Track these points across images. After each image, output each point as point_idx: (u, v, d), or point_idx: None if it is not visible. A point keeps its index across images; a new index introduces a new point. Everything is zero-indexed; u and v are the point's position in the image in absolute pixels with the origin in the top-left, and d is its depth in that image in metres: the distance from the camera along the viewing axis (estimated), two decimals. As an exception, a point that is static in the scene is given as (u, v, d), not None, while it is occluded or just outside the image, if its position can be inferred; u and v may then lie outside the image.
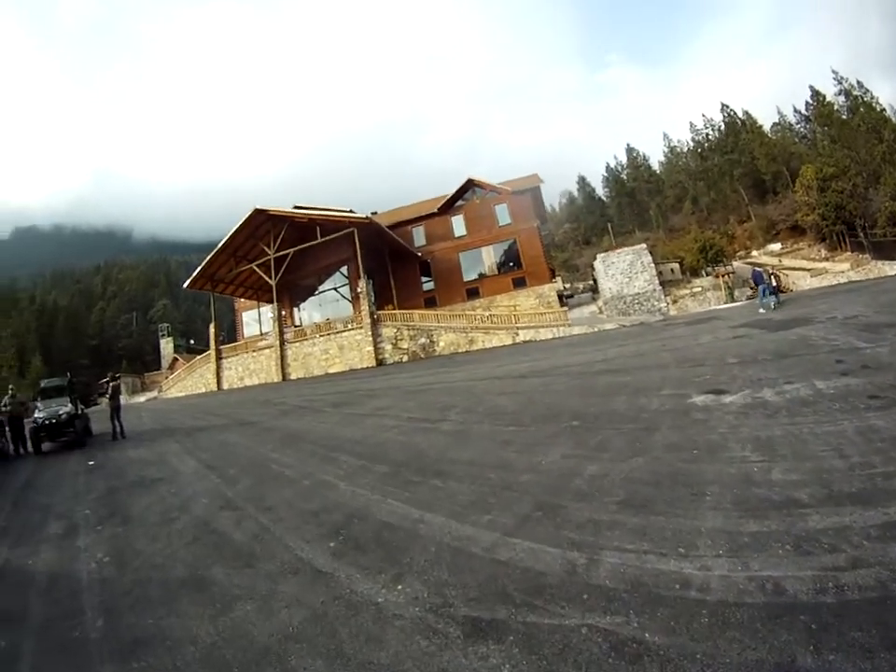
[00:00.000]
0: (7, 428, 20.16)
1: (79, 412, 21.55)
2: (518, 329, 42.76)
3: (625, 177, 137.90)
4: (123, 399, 24.28)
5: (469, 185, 62.11)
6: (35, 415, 20.30)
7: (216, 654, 4.66)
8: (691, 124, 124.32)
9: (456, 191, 61.97)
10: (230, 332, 70.57)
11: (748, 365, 13.09)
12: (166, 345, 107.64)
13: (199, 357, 64.83)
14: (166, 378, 78.69)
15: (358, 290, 50.31)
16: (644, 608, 4.14)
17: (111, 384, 22.61)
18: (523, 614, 4.35)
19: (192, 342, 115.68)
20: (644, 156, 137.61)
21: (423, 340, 45.54)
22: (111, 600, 6.24)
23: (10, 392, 20.92)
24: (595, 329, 39.40)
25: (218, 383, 57.15)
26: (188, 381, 62.22)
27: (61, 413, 20.09)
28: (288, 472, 10.98)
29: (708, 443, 7.93)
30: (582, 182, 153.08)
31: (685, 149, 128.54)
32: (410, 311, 49.31)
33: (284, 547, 6.87)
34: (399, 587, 5.24)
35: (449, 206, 61.88)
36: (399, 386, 24.16)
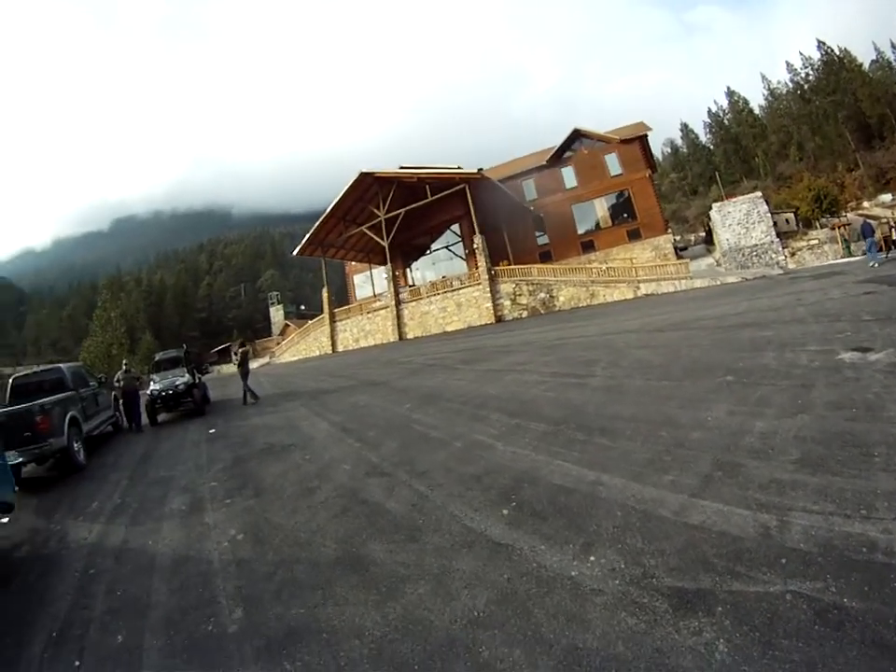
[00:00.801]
0: (120, 403, 20.03)
1: (196, 381, 21.45)
2: (639, 282, 40.49)
3: (727, 122, 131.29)
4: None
5: (576, 135, 59.33)
6: (151, 387, 20.37)
7: (388, 649, 4.09)
8: (787, 64, 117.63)
9: (564, 142, 59.39)
10: (340, 295, 69.95)
11: (885, 322, 11.92)
12: (276, 313, 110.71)
13: (312, 321, 65.05)
14: (278, 344, 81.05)
15: (474, 247, 48.51)
16: (839, 572, 3.87)
17: (240, 350, 22.41)
18: (727, 582, 4.03)
19: (303, 307, 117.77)
20: (744, 100, 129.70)
21: (542, 295, 43.48)
22: (250, 586, 5.61)
23: (124, 366, 20.61)
24: (718, 283, 36.98)
25: (333, 345, 57.24)
26: (301, 345, 62.67)
27: (177, 383, 20.07)
28: (435, 433, 10.14)
29: (866, 402, 7.25)
30: (685, 129, 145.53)
31: (785, 91, 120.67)
32: (528, 265, 47.48)
33: (449, 516, 6.17)
34: (592, 558, 4.71)
35: (558, 158, 59.42)
36: (531, 342, 22.96)
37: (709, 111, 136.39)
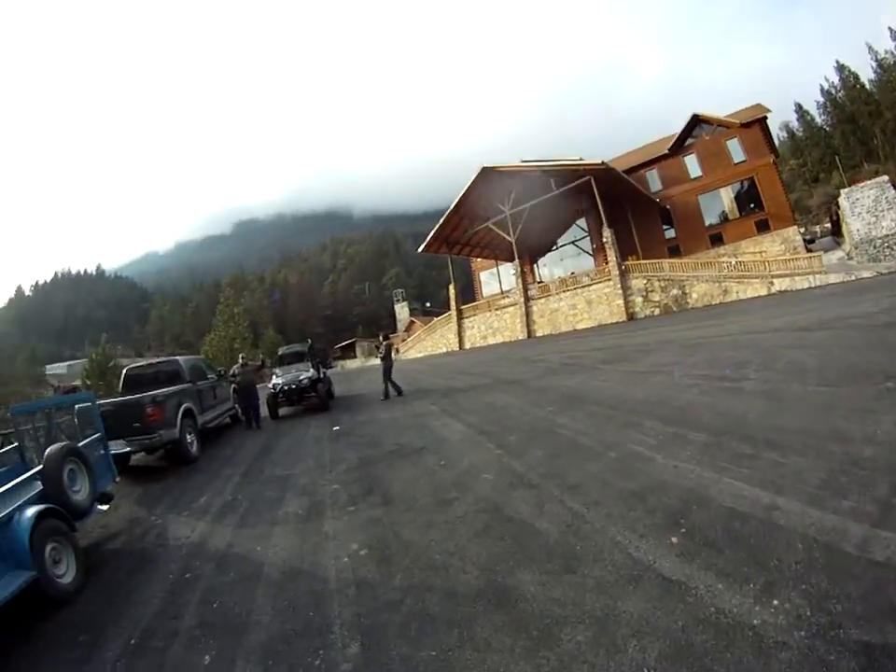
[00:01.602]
0: (236, 399, 19.88)
1: (321, 375, 21.23)
2: (773, 277, 37.92)
3: (841, 100, 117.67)
4: (364, 360, 23.24)
5: (696, 121, 55.83)
6: (273, 381, 20.47)
7: (541, 713, 3.56)
8: (891, 30, 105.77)
9: (684, 129, 55.91)
10: (466, 292, 69.37)
11: None
12: (401, 310, 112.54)
13: (438, 318, 65.65)
14: (403, 340, 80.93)
15: (603, 241, 46.65)
16: None
17: (384, 343, 21.51)
18: (916, 637, 3.30)
19: (428, 304, 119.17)
20: (854, 74, 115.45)
21: (675, 291, 41.48)
22: (371, 615, 4.89)
23: (241, 360, 19.94)
24: (853, 278, 33.78)
25: (460, 342, 57.20)
26: (427, 342, 63.15)
27: (301, 377, 19.90)
28: (585, 441, 9.11)
29: None
30: (800, 110, 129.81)
31: (893, 62, 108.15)
32: (659, 260, 45.41)
33: (611, 543, 5.25)
34: (776, 602, 3.95)
35: (679, 146, 56.22)
36: (670, 340, 21.50)
37: (822, 89, 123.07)
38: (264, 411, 19.35)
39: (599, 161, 43.13)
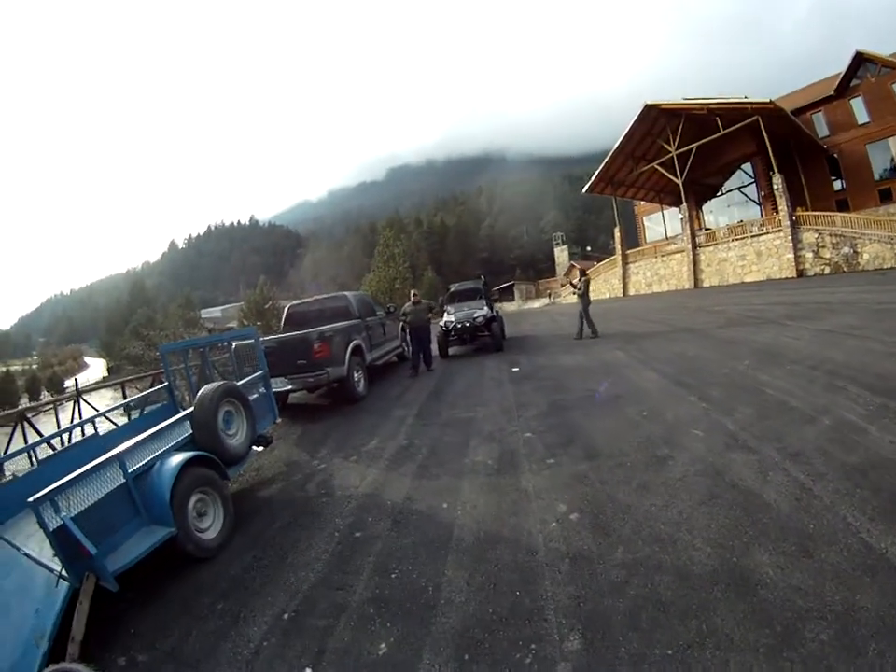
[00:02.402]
0: (407, 339, 18.72)
1: (496, 314, 20.48)
2: None
3: None
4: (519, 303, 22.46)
5: (860, 59, 49.79)
6: (445, 318, 19.96)
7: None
8: None
9: (848, 68, 50.19)
10: (629, 237, 67.40)
11: None
12: (560, 253, 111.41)
13: (602, 262, 64.64)
14: (562, 285, 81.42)
15: (774, 188, 44.00)
16: None
17: (583, 278, 20.33)
18: None
19: (589, 248, 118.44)
20: None
21: (846, 249, 38.89)
22: (592, 598, 4.27)
23: (413, 297, 17.60)
24: None
25: (624, 288, 55.82)
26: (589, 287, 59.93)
27: (475, 315, 19.33)
28: (793, 402, 8.35)
29: None
30: None
31: None
32: (831, 213, 41.78)
33: (843, 525, 4.73)
34: None
35: (844, 87, 50.70)
36: (852, 302, 19.96)
37: None
38: (432, 374, 17.17)
39: (767, 100, 40.83)
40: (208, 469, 6.62)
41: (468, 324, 19.04)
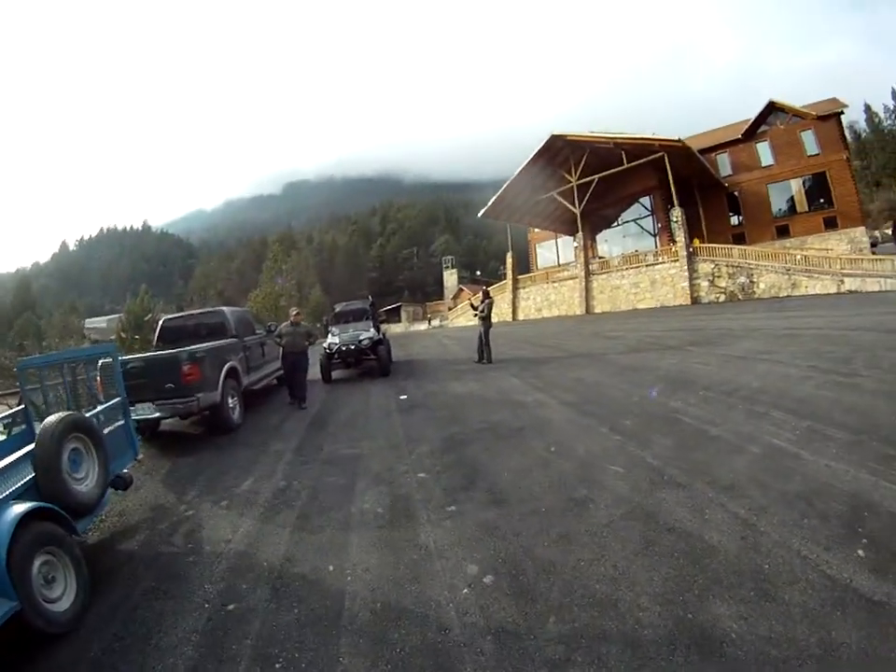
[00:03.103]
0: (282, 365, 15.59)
1: (382, 336, 19.37)
2: (843, 275, 36.78)
3: None
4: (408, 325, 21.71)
5: (771, 108, 54.11)
6: (329, 340, 18.44)
7: None
8: None
9: (759, 115, 54.28)
10: (521, 263, 68.41)
11: None
12: (450, 277, 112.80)
13: (491, 286, 63.72)
14: (450, 308, 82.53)
15: (673, 220, 44.39)
16: None
17: (486, 300, 19.35)
18: None
19: (478, 273, 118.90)
20: None
21: (742, 279, 40.52)
22: None
23: (293, 315, 15.03)
24: None
25: (514, 312, 56.03)
26: None
27: (362, 337, 17.97)
28: (714, 430, 8.03)
29: None
30: (868, 112, 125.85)
31: None
32: (728, 245, 44.21)
33: (798, 559, 4.50)
34: None
35: (752, 131, 54.04)
36: (755, 328, 20.37)
37: (893, 91, 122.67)
38: (313, 399, 15.08)
39: (676, 138, 42.28)
40: (54, 524, 5.22)
41: (353, 346, 17.84)
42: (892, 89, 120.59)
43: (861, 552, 4.46)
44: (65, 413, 6.12)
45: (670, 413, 9.19)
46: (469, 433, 9.45)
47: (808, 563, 4.39)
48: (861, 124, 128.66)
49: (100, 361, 7.96)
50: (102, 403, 7.44)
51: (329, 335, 18.98)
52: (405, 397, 13.75)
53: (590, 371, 14.46)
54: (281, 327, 14.98)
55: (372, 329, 18.72)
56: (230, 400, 12.06)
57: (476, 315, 19.11)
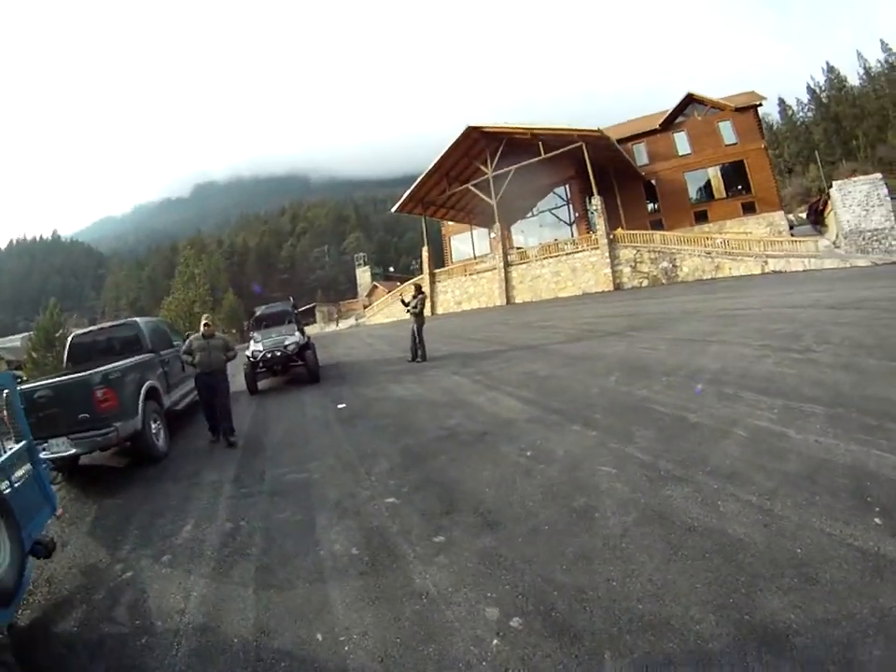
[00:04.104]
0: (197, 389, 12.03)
1: (307, 340, 17.79)
2: (767, 257, 38.03)
3: (825, 100, 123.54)
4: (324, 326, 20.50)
5: (689, 100, 55.60)
6: (252, 347, 16.91)
7: None
8: (882, 42, 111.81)
9: (677, 106, 55.64)
10: (435, 257, 68.09)
11: None
12: (363, 274, 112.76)
13: (408, 282, 64.44)
14: (366, 306, 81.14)
15: (593, 209, 46.11)
16: None
17: (419, 295, 18.19)
18: None
19: (392, 269, 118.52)
20: (842, 77, 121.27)
21: (665, 264, 41.32)
22: None
23: (203, 324, 11.24)
24: (848, 265, 34.64)
25: (433, 307, 54.01)
26: (395, 306, 57.47)
27: (287, 342, 16.65)
28: (693, 417, 7.66)
29: None
30: (782, 105, 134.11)
31: (881, 71, 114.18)
32: (650, 231, 45.36)
33: (826, 537, 4.36)
34: None
35: (670, 122, 55.72)
36: (692, 311, 20.26)
37: (808, 87, 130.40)
38: (242, 414, 13.34)
39: (595, 129, 42.66)
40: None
41: (278, 353, 16.51)
42: (807, 84, 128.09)
43: (877, 520, 4.46)
44: None
45: (640, 403, 8.73)
46: (427, 443, 8.51)
47: (835, 539, 4.30)
48: (775, 116, 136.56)
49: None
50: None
51: (252, 342, 17.59)
52: (343, 405, 12.58)
53: (537, 365, 13.70)
54: (190, 340, 11.30)
55: (297, 333, 17.56)
56: (152, 425, 10.40)
57: (408, 310, 18.11)
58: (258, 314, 19.91)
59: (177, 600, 5.14)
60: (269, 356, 16.42)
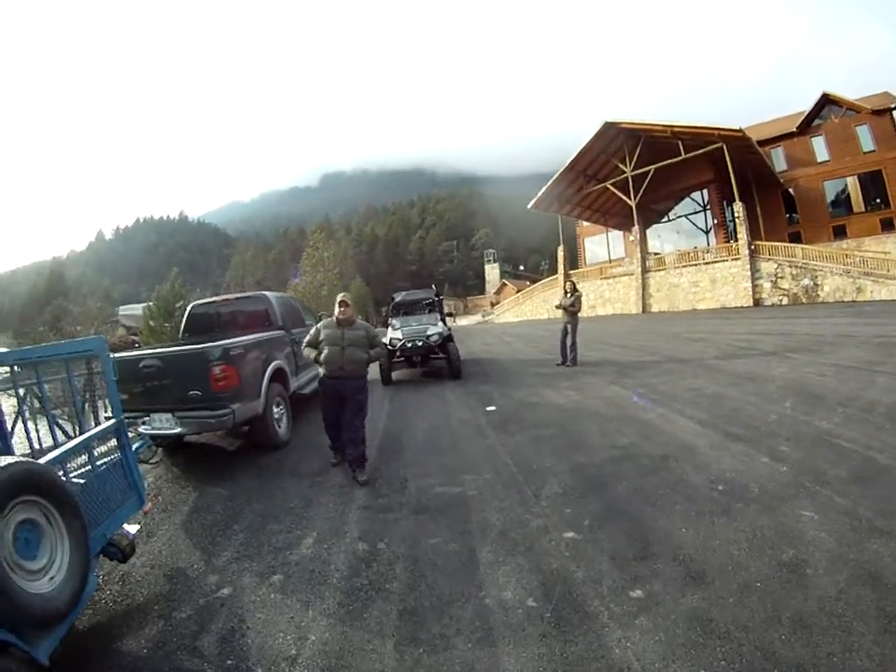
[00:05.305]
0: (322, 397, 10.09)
1: (450, 332, 16.83)
2: None
3: None
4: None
5: (825, 101, 51.61)
6: (391, 334, 16.12)
7: None
8: None
9: (813, 108, 51.96)
10: (568, 258, 67.43)
11: None
12: (492, 271, 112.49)
13: (541, 281, 64.62)
14: (493, 304, 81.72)
15: (735, 216, 43.57)
16: None
17: (574, 294, 16.61)
18: None
19: (521, 267, 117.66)
20: None
21: (806, 281, 38.51)
22: None
23: (339, 308, 8.22)
24: None
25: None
26: (525, 306, 61.25)
27: (430, 333, 15.75)
28: (882, 459, 6.61)
29: None
30: None
31: None
32: (792, 245, 42.15)
33: None
34: None
35: (807, 125, 52.30)
36: (845, 334, 18.48)
37: None
38: (376, 408, 11.72)
39: (737, 128, 40.29)
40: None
41: (420, 343, 15.59)
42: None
43: None
44: (10, 461, 3.55)
45: (823, 436, 7.73)
46: (601, 464, 7.33)
47: None
48: None
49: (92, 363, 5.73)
50: (82, 431, 5.23)
51: (390, 328, 16.77)
52: (493, 408, 11.40)
53: (701, 381, 12.60)
54: (317, 328, 8.41)
55: (440, 324, 16.74)
56: (275, 410, 9.55)
57: (564, 308, 16.69)
58: (397, 299, 19.08)
59: (287, 642, 4.14)
60: (409, 345, 15.59)
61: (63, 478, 4.18)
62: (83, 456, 4.70)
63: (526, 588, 4.43)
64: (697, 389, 11.69)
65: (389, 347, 15.45)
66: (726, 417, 9.26)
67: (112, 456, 5.10)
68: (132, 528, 5.13)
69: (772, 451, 7.27)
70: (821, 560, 4.47)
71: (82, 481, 4.51)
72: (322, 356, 7.99)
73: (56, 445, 5.20)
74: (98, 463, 4.79)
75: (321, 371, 8.11)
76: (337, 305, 8.19)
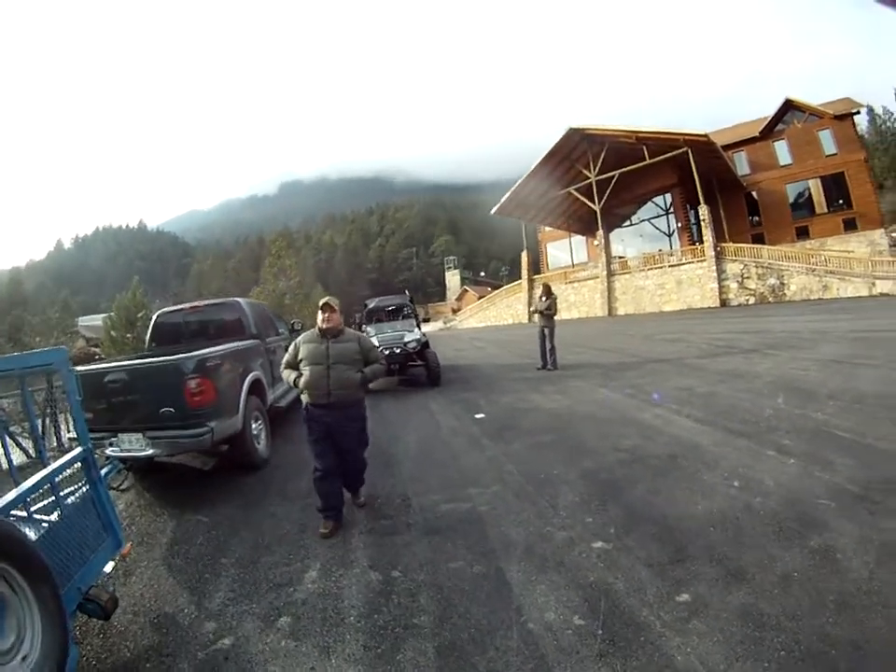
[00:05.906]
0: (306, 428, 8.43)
1: (426, 338, 16.42)
2: (875, 278, 36.12)
3: None
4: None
5: (788, 106, 53.59)
6: None
7: None
8: None
9: (776, 113, 53.87)
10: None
11: None
12: (452, 278, 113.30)
13: (504, 287, 65.59)
14: (454, 310, 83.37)
15: (701, 219, 44.92)
16: None
17: (549, 297, 16.32)
18: None
19: (483, 274, 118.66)
20: None
21: (772, 281, 40.11)
22: None
23: (323, 315, 6.30)
24: None
25: (529, 314, 49.33)
26: (490, 311, 62.30)
27: (407, 340, 15.28)
28: (882, 444, 6.76)
29: None
30: (871, 114, 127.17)
31: None
32: (757, 246, 44.16)
33: None
34: None
35: (770, 129, 54.21)
36: (821, 331, 18.95)
37: None
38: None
39: (702, 133, 41.64)
40: None
41: (398, 350, 15.05)
42: (894, 89, 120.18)
43: None
44: None
45: (821, 427, 7.83)
46: (611, 468, 7.06)
47: None
48: (861, 126, 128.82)
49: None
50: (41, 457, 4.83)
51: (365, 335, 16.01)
52: (482, 415, 10.99)
53: (690, 380, 12.48)
54: (297, 343, 6.56)
55: (416, 330, 16.30)
56: (253, 426, 8.83)
57: (540, 311, 16.44)
58: (371, 305, 18.65)
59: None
60: (386, 353, 14.52)
61: (24, 530, 3.47)
62: (48, 498, 4.03)
63: (569, 606, 4.12)
64: (687, 388, 11.63)
65: None
66: (723, 414, 9.26)
67: (80, 493, 4.39)
68: (105, 568, 4.53)
69: (776, 445, 7.29)
70: (848, 544, 4.54)
71: (45, 527, 3.82)
72: (302, 379, 6.27)
73: (11, 472, 4.80)
74: (66, 503, 4.11)
75: (303, 398, 6.43)
76: (320, 311, 6.41)
